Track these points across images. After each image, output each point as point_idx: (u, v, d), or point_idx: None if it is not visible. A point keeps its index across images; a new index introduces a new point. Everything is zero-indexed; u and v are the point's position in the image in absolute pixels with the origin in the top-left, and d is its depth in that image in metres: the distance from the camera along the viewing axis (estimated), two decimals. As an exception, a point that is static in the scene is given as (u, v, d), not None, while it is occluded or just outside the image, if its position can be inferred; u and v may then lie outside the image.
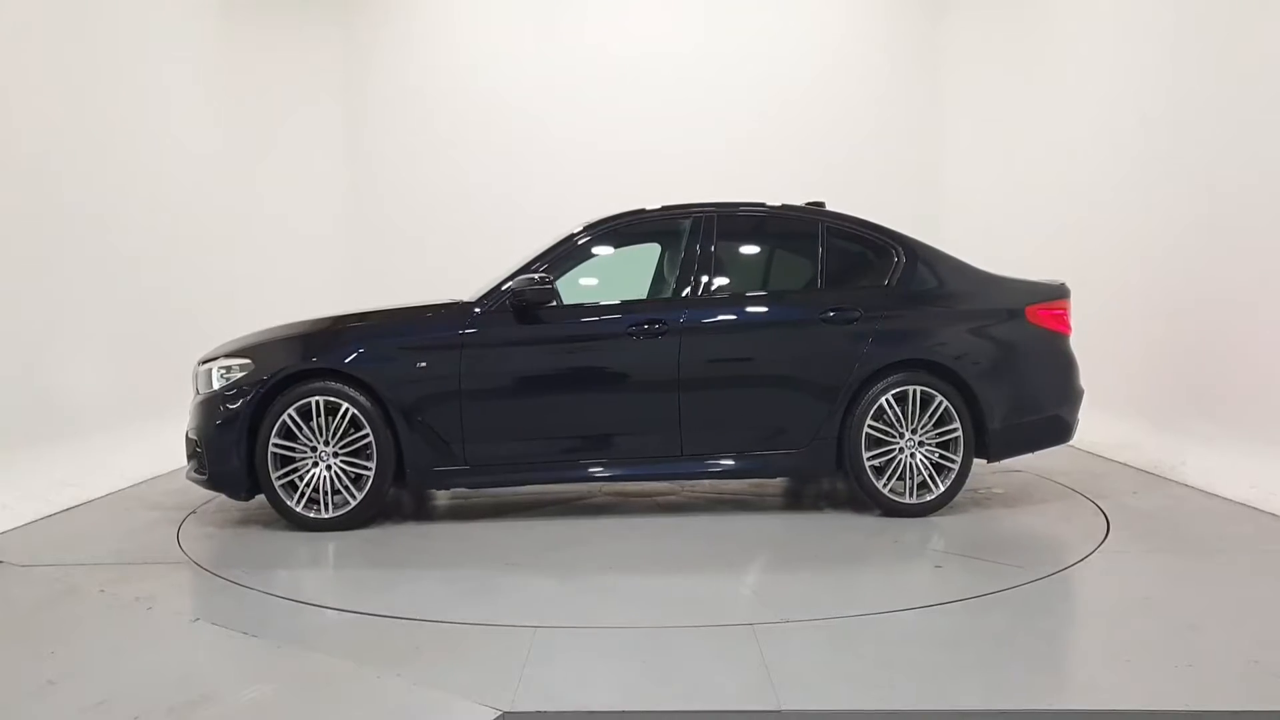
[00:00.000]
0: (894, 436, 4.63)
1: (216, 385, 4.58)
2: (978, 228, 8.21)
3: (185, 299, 7.12)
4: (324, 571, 4.09)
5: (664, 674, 2.82)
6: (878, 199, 6.87)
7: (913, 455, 4.64)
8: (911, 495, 4.64)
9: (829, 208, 5.13)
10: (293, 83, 8.79)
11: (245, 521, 4.76)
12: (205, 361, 4.74)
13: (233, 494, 4.58)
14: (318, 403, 4.46)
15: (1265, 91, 5.06)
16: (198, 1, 7.72)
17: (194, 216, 7.38)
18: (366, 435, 4.47)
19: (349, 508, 4.51)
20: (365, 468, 4.50)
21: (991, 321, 4.78)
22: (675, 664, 2.89)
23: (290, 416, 4.45)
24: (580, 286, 4.93)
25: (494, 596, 3.58)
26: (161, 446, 6.01)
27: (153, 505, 5.16)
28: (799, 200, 5.21)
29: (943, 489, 4.64)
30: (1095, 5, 7.04)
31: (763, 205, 5.08)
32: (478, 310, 4.65)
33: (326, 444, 4.49)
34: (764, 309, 4.83)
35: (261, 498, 4.55)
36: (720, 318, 4.76)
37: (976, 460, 4.74)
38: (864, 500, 4.72)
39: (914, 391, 4.62)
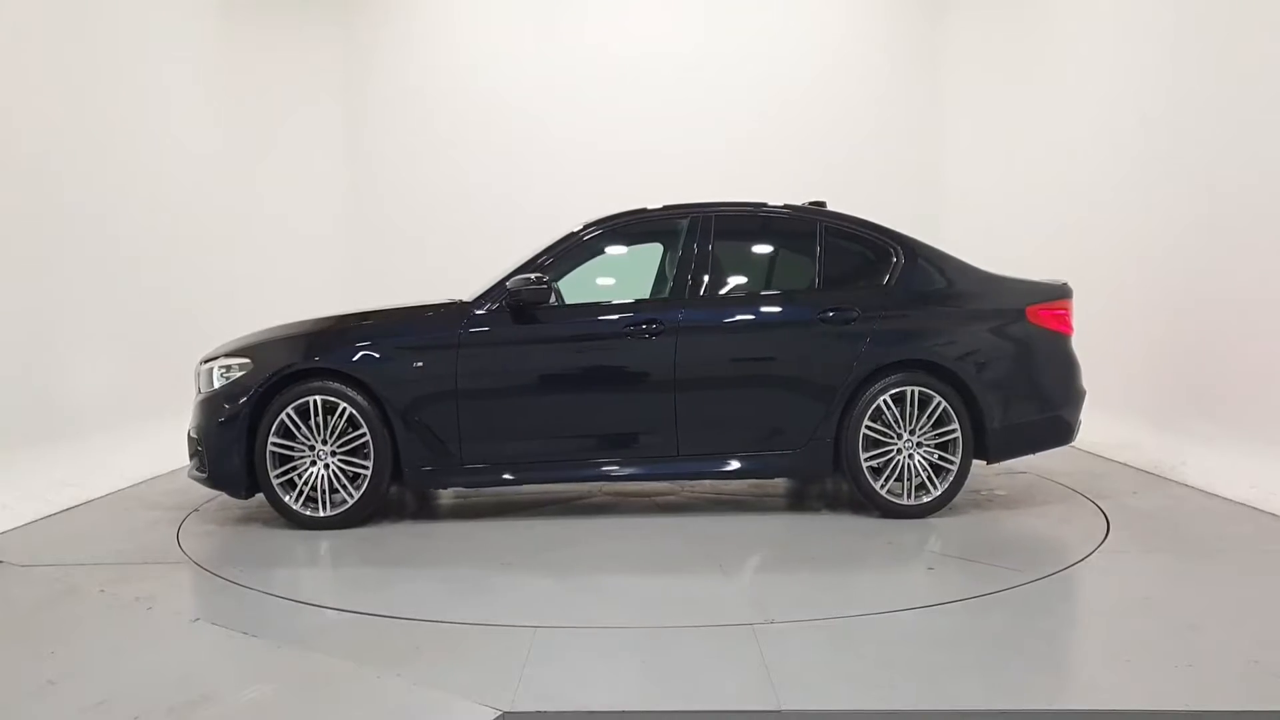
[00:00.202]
0: (892, 437, 4.63)
1: (217, 384, 4.61)
2: (978, 228, 8.21)
3: (185, 299, 7.12)
4: (323, 571, 4.09)
5: (664, 674, 2.82)
6: (878, 199, 6.87)
7: (910, 456, 4.63)
8: (909, 497, 4.63)
9: (830, 208, 5.13)
10: (293, 83, 8.79)
11: (245, 520, 4.77)
12: (206, 361, 4.76)
13: (233, 492, 4.59)
14: (315, 402, 4.47)
15: (1265, 91, 5.06)
16: (198, 1, 7.72)
17: (194, 216, 7.38)
18: (364, 434, 4.48)
19: (346, 506, 4.52)
20: (363, 467, 4.51)
21: (992, 322, 4.76)
22: (675, 664, 2.89)
23: (289, 415, 4.47)
24: (582, 286, 4.93)
25: (493, 596, 3.58)
26: (161, 446, 6.02)
27: (153, 505, 5.16)
28: (801, 200, 5.21)
29: (941, 490, 4.62)
30: (1095, 5, 7.04)
31: (763, 205, 5.08)
32: (475, 310, 4.65)
33: (324, 443, 4.50)
34: (761, 309, 4.82)
35: (261, 496, 4.56)
36: (717, 318, 4.76)
37: (977, 461, 4.74)
38: (863, 502, 4.72)
39: (912, 392, 4.61)
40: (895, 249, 4.87)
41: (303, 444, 4.50)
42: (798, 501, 5.26)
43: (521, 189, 8.89)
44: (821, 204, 5.20)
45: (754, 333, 4.76)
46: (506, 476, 4.66)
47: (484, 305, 4.66)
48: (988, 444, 4.67)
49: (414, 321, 4.75)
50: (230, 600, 3.60)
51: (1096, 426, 5.66)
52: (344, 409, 4.48)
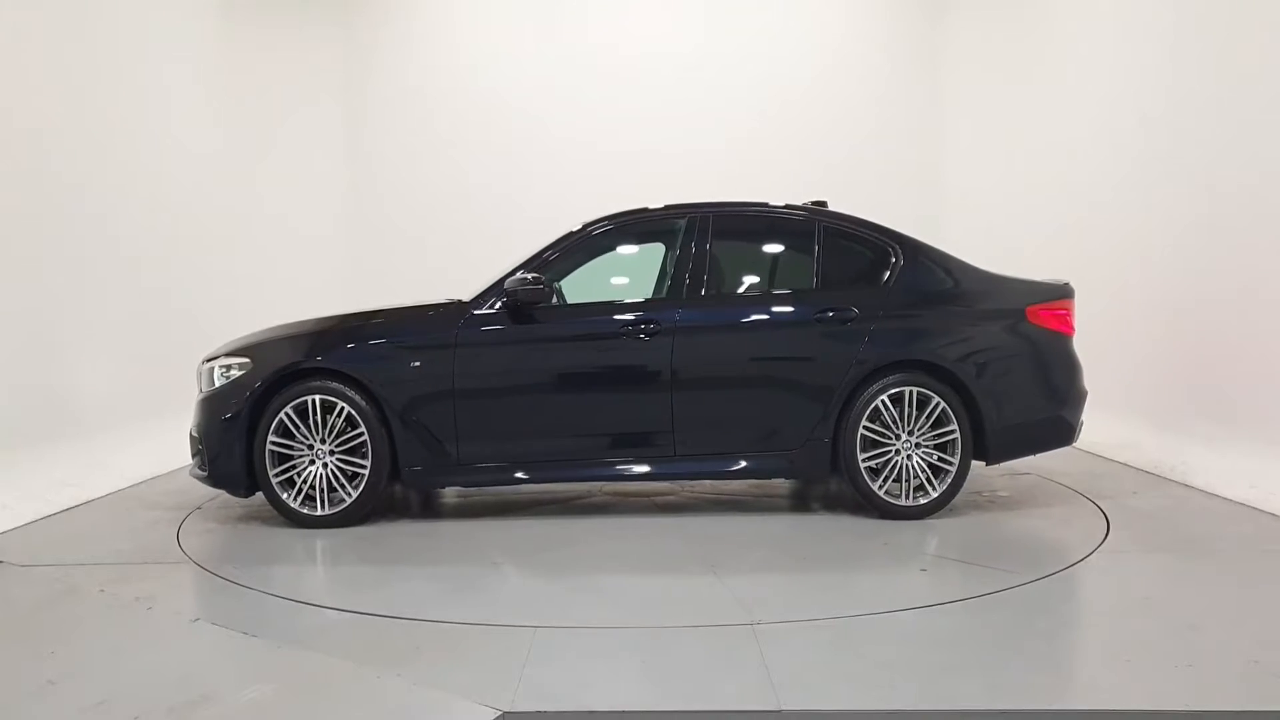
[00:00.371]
0: (890, 438, 4.62)
1: (217, 384, 4.63)
2: (978, 228, 8.21)
3: (185, 299, 7.13)
4: (323, 570, 4.09)
5: (664, 674, 2.82)
6: (878, 199, 6.87)
7: (909, 457, 4.62)
8: (908, 497, 4.62)
9: (831, 208, 5.13)
10: (293, 83, 8.80)
11: (245, 519, 4.77)
12: (208, 360, 4.77)
13: (233, 491, 4.61)
14: (313, 401, 4.48)
15: (1265, 91, 5.06)
16: (198, 1, 7.73)
17: (194, 216, 7.38)
18: (362, 434, 4.49)
19: (344, 505, 4.53)
20: (361, 466, 4.51)
21: (992, 322, 4.74)
22: (675, 664, 2.89)
23: (287, 414, 4.47)
24: (585, 286, 4.93)
25: (493, 596, 3.58)
26: (161, 446, 6.02)
27: (153, 505, 5.16)
28: (802, 200, 5.21)
29: (939, 492, 4.61)
30: (1095, 5, 7.04)
31: (764, 205, 5.07)
32: (472, 310, 4.65)
33: (323, 442, 4.51)
34: (759, 309, 4.82)
35: (262, 496, 4.57)
36: (714, 318, 4.75)
37: (976, 462, 4.73)
38: (862, 503, 4.72)
39: (911, 392, 4.60)
40: (895, 249, 4.86)
41: (302, 443, 4.51)
42: (798, 502, 5.26)
43: (521, 189, 8.89)
44: (823, 204, 5.19)
45: (751, 333, 4.75)
46: (504, 476, 4.65)
47: (482, 305, 4.66)
48: (987, 445, 4.65)
49: (411, 321, 4.75)
50: (230, 600, 3.60)
51: (1097, 426, 5.65)
52: (342, 408, 4.49)
